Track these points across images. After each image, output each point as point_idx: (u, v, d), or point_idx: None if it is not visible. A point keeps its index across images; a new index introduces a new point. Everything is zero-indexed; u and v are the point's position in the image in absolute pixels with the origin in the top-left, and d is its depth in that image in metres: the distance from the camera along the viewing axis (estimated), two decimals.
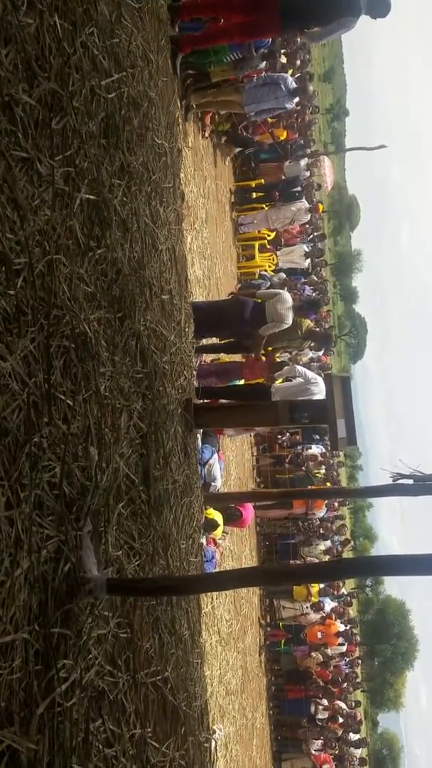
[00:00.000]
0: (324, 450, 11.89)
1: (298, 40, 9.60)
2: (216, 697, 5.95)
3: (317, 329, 6.41)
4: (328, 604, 11.70)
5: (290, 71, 9.62)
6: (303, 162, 11.34)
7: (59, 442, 2.08)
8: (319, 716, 11.34)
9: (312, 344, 7.38)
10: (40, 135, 2.15)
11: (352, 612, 14.33)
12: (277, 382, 6.35)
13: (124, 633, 2.46)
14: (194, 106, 7.21)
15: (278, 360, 7.39)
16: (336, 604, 12.08)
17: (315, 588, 11.34)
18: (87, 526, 2.20)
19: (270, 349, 6.43)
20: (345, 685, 11.89)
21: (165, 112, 4.16)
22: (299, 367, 6.21)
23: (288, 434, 11.97)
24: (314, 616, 11.50)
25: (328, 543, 11.90)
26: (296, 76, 10.26)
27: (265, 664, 10.81)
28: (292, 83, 8.28)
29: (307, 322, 6.15)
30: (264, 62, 7.70)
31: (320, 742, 11.10)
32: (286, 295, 6.02)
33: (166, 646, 2.99)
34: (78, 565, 2.10)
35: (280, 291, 6.30)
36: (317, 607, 11.38)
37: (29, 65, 2.12)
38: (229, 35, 6.08)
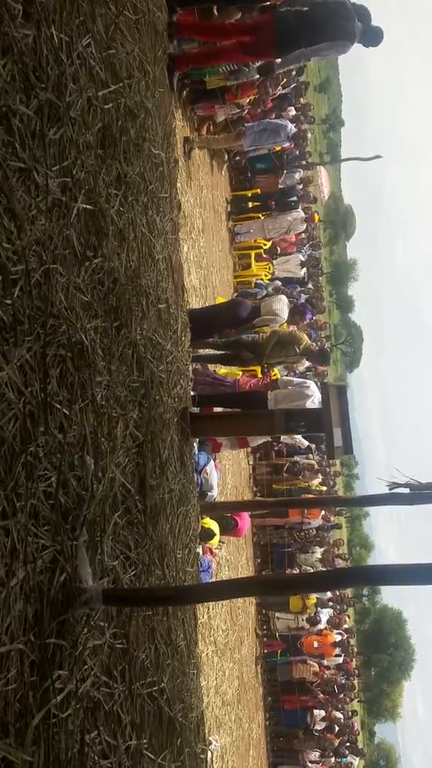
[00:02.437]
0: (321, 458, 11.90)
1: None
2: (212, 707, 5.91)
3: (315, 347, 6.42)
4: (324, 614, 11.67)
5: (284, 81, 9.73)
6: (297, 176, 11.43)
7: (55, 452, 2.08)
8: (316, 726, 11.28)
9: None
10: (37, 145, 2.16)
11: (349, 621, 14.28)
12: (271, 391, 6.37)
13: (119, 643, 2.45)
14: (195, 147, 7.37)
15: (274, 377, 7.41)
16: (332, 612, 12.04)
17: (311, 600, 11.31)
18: (83, 535, 2.19)
19: (267, 364, 6.46)
20: (342, 695, 11.85)
21: (162, 122, 4.18)
22: (285, 378, 6.28)
23: (284, 444, 11.95)
24: (311, 629, 11.47)
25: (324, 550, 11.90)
26: (291, 86, 10.38)
27: (261, 675, 10.76)
28: (291, 130, 8.52)
29: (306, 340, 6.18)
30: (258, 75, 7.77)
31: (317, 753, 11.03)
32: (282, 296, 6.10)
33: (162, 657, 2.98)
34: (74, 575, 2.09)
35: (277, 295, 6.39)
36: (313, 621, 11.34)
37: (27, 76, 2.13)
38: (226, 57, 6.18)
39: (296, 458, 11.88)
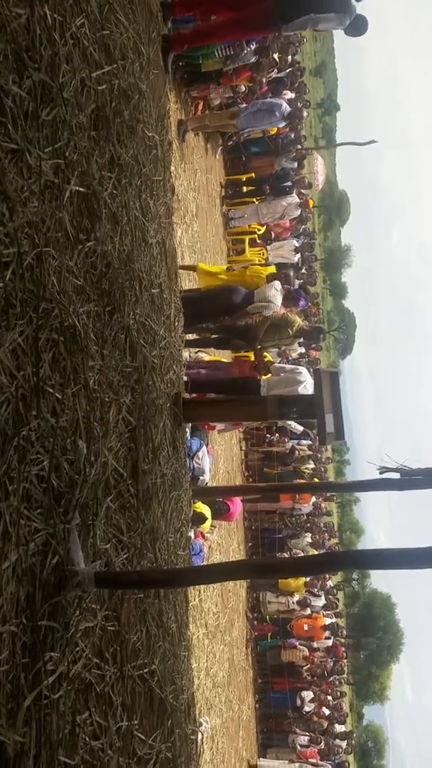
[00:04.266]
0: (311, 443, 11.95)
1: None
2: (203, 689, 5.98)
3: (307, 327, 6.45)
4: (320, 601, 11.78)
5: (279, 65, 9.65)
6: (293, 164, 11.35)
7: (48, 436, 2.08)
8: (305, 708, 11.42)
9: (302, 340, 7.45)
10: (29, 126, 2.14)
11: (339, 604, 14.42)
12: (264, 377, 6.39)
13: (111, 626, 2.47)
14: (190, 128, 7.28)
15: (267, 358, 7.43)
16: (325, 602, 12.15)
17: (300, 580, 11.40)
18: (75, 519, 2.20)
19: (259, 347, 6.46)
20: (331, 679, 12.00)
21: (156, 104, 4.14)
22: (278, 365, 6.30)
23: (276, 434, 11.97)
24: (301, 612, 11.58)
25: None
26: (287, 70, 10.30)
27: (251, 657, 10.87)
28: (286, 109, 8.43)
29: (298, 321, 6.19)
30: (255, 56, 7.71)
31: (306, 738, 11.17)
32: (276, 283, 6.09)
33: (153, 639, 3.00)
34: (66, 558, 2.10)
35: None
36: (303, 603, 11.45)
37: (19, 56, 2.10)
38: (222, 34, 6.06)
39: (291, 443, 11.93)
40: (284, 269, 11.97)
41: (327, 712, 11.70)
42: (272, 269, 7.06)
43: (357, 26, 5.29)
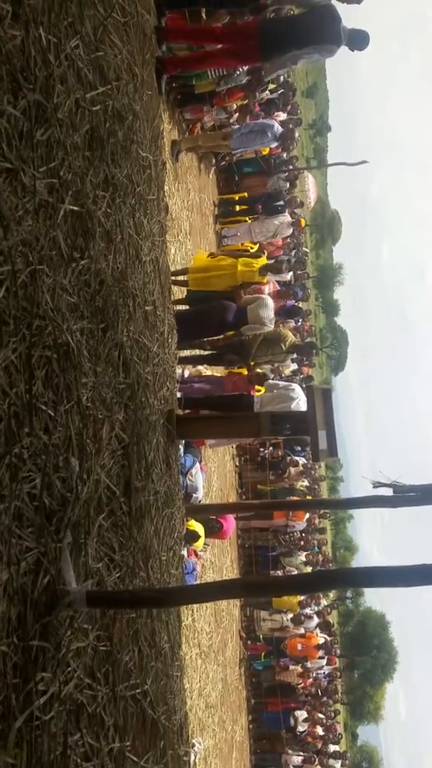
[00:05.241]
0: (306, 461, 11.95)
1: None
2: (196, 710, 5.91)
3: (300, 342, 6.49)
4: (313, 621, 11.69)
5: (273, 86, 9.78)
6: (285, 183, 11.48)
7: (40, 453, 2.07)
8: (299, 728, 11.30)
9: (295, 357, 7.49)
10: (24, 146, 2.16)
11: (333, 621, 14.32)
12: (257, 393, 6.40)
13: (103, 646, 2.44)
14: (183, 149, 7.36)
15: (260, 372, 7.45)
16: (319, 620, 12.06)
17: (295, 598, 11.33)
18: (67, 537, 2.19)
19: (253, 363, 6.49)
20: (325, 699, 11.89)
21: (149, 125, 4.18)
22: (271, 382, 6.33)
23: (270, 447, 11.98)
24: (295, 631, 11.49)
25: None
26: (279, 92, 10.44)
27: (245, 677, 10.76)
28: (278, 130, 8.55)
29: (291, 337, 6.22)
30: (247, 77, 7.80)
31: (300, 758, 11.04)
32: (268, 300, 6.11)
33: (145, 659, 2.97)
34: (57, 577, 2.09)
35: (262, 295, 6.39)
36: (297, 620, 11.37)
37: (14, 77, 2.13)
38: (213, 61, 6.18)
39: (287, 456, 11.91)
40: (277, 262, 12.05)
41: (321, 732, 11.57)
42: (264, 261, 7.04)
43: (358, 40, 5.36)
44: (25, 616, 1.90)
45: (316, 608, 12.10)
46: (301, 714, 11.39)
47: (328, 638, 12.20)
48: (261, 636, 11.56)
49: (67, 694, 2.07)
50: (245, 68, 7.50)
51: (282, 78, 10.71)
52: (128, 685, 2.66)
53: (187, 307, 6.67)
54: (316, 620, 11.80)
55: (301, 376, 12.47)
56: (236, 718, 9.03)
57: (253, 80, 7.81)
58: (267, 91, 9.72)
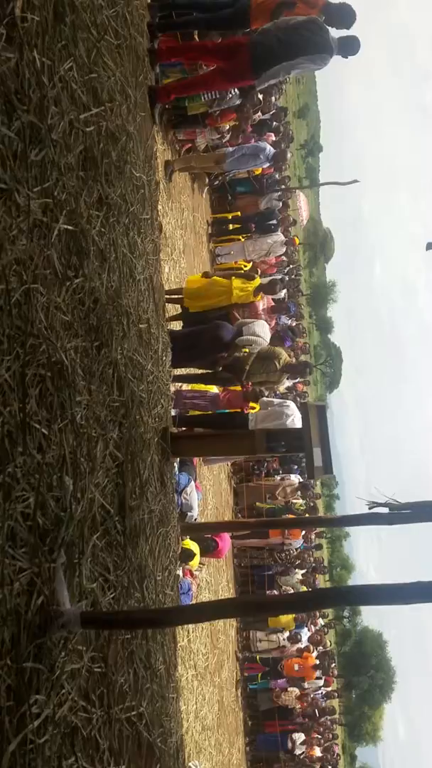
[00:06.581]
0: (301, 479, 11.91)
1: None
2: (192, 732, 5.83)
3: (294, 361, 6.50)
4: (305, 634, 11.57)
5: (263, 105, 9.90)
6: (277, 197, 11.59)
7: (34, 472, 2.06)
8: (297, 751, 11.14)
9: (289, 376, 7.49)
10: (18, 166, 2.17)
11: (329, 642, 14.17)
12: (252, 411, 6.40)
13: (98, 667, 2.41)
14: (177, 169, 7.44)
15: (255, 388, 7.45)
16: (312, 632, 11.94)
17: (290, 615, 11.21)
18: (61, 558, 2.17)
19: (248, 382, 6.49)
20: (322, 719, 11.73)
21: (143, 145, 4.22)
22: (265, 399, 6.34)
23: (265, 464, 11.96)
24: (292, 650, 11.36)
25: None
26: (271, 113, 10.57)
27: (241, 699, 10.63)
28: (270, 151, 8.66)
29: (285, 356, 6.22)
30: (240, 99, 7.91)
31: None
32: (264, 322, 6.15)
33: (141, 681, 2.94)
34: (51, 598, 2.06)
35: (258, 320, 6.43)
36: (294, 639, 11.25)
37: (8, 98, 2.15)
38: (205, 85, 6.25)
39: (277, 478, 11.89)
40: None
41: (319, 753, 11.41)
42: (258, 282, 7.07)
43: (349, 46, 5.41)
44: (18, 638, 1.87)
45: (314, 628, 11.99)
46: (299, 736, 11.23)
47: (323, 649, 12.03)
48: (258, 657, 11.44)
49: (61, 717, 2.04)
50: (237, 91, 7.59)
51: (275, 104, 10.86)
52: (123, 708, 2.62)
53: (181, 323, 6.68)
54: (307, 633, 11.67)
55: (296, 392, 12.49)
56: (233, 741, 8.90)
57: (245, 100, 7.92)
58: (259, 112, 9.84)
